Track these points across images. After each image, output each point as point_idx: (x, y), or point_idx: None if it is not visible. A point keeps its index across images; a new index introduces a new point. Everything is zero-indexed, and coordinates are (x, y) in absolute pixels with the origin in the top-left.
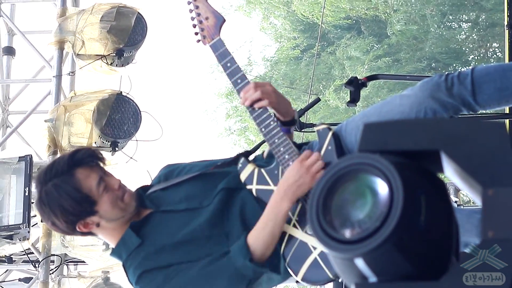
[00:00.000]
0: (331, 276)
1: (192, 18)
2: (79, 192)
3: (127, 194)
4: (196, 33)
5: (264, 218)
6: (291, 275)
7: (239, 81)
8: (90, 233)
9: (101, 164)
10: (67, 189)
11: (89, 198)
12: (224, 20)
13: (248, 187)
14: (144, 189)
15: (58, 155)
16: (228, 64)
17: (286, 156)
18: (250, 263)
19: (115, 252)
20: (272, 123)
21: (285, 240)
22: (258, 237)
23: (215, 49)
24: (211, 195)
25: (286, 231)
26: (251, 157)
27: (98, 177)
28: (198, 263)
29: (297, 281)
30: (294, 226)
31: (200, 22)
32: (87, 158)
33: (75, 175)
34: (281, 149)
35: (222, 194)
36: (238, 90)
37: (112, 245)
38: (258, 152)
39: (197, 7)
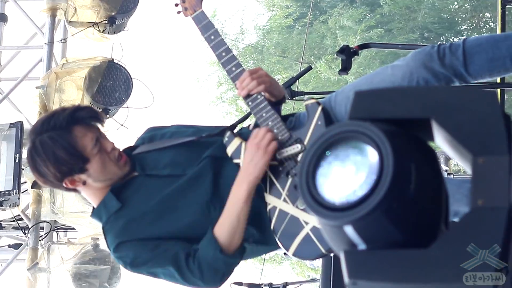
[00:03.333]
0: (323, 251)
1: None
2: (73, 148)
3: (123, 159)
4: (177, 4)
5: (226, 206)
6: (278, 248)
7: (223, 54)
8: (74, 190)
9: (100, 126)
10: (62, 143)
11: (82, 155)
12: None
13: (235, 161)
14: (130, 149)
15: None
16: (212, 37)
17: (275, 131)
18: (221, 254)
19: (95, 214)
20: (259, 96)
21: (275, 215)
22: (224, 226)
23: (197, 21)
24: (195, 163)
25: (276, 205)
26: (237, 129)
27: (95, 138)
28: (174, 250)
29: (284, 253)
30: (285, 200)
31: None
32: (87, 118)
33: (73, 132)
34: (269, 123)
35: (206, 162)
36: (222, 63)
37: (94, 205)
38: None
39: None
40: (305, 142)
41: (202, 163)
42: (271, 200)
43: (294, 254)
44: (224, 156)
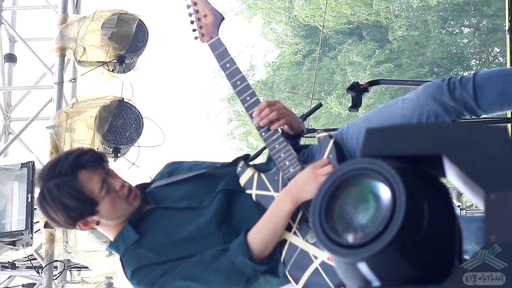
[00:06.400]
0: (332, 286)
1: (190, 14)
2: (80, 194)
3: (133, 194)
4: (194, 30)
5: (266, 216)
6: (290, 282)
7: (238, 82)
8: (90, 228)
9: (105, 166)
10: (68, 190)
11: (90, 199)
12: (223, 19)
13: (248, 191)
14: (143, 186)
15: None
16: (227, 65)
17: (287, 163)
18: (250, 261)
19: (113, 245)
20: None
21: (285, 248)
22: (259, 235)
23: (214, 48)
24: (210, 195)
25: (287, 238)
26: (254, 162)
27: (101, 180)
28: (196, 257)
29: None
30: (295, 234)
31: (199, 19)
32: (91, 162)
33: (78, 178)
34: (282, 155)
35: (221, 196)
36: (237, 92)
37: (111, 238)
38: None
39: (195, 4)
40: None
41: (217, 197)
42: None
43: None
44: (237, 189)
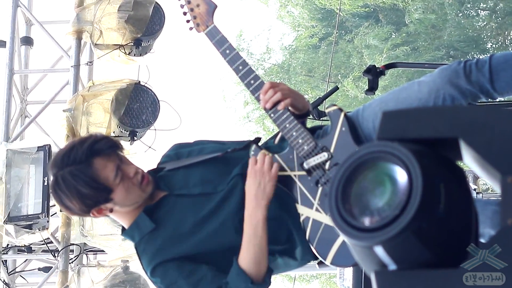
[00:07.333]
0: None
1: (182, 6)
2: (96, 182)
3: (145, 180)
4: (188, 21)
5: (245, 236)
6: (308, 262)
7: (240, 67)
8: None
9: (119, 152)
10: (84, 178)
11: (105, 187)
12: (216, 6)
13: None
14: (154, 171)
15: None
16: (227, 51)
17: (300, 141)
18: (252, 285)
19: (127, 234)
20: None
21: (309, 225)
22: (248, 257)
23: (211, 36)
24: (225, 180)
25: (309, 216)
26: (262, 142)
27: (115, 167)
28: (207, 280)
29: (318, 263)
30: (317, 210)
31: (191, 9)
32: (106, 149)
33: (93, 165)
34: (294, 133)
35: (235, 180)
36: (240, 77)
37: (125, 225)
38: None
39: None
40: (331, 150)
41: (232, 182)
42: (303, 210)
43: (332, 263)
44: None
